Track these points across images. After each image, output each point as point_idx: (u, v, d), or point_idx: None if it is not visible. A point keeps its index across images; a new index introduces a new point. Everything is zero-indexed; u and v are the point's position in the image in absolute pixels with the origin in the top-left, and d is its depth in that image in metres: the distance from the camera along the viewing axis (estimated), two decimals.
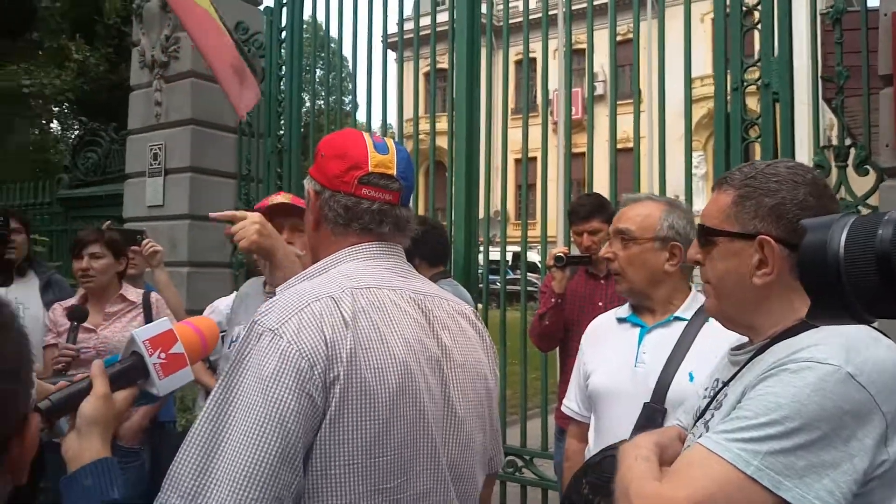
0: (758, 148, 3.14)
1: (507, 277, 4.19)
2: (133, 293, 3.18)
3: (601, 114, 3.98)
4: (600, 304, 3.11)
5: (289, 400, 1.03)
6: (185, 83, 5.01)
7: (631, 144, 3.75)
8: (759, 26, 3.14)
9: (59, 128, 19.68)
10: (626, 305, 1.95)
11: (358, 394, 1.07)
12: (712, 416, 1.11)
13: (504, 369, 4.00)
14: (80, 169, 6.55)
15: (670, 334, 1.75)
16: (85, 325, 2.97)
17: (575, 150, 4.16)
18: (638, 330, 1.85)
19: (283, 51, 5.04)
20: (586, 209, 3.13)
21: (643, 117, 3.77)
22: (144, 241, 3.55)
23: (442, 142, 5.02)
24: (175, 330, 1.20)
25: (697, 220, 1.34)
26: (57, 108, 17.65)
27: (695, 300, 1.80)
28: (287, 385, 1.03)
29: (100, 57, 11.76)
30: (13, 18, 14.61)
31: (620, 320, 1.93)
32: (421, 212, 4.83)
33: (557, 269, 3.09)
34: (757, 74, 3.15)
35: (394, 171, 1.25)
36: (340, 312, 1.10)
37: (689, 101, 3.45)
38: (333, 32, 4.85)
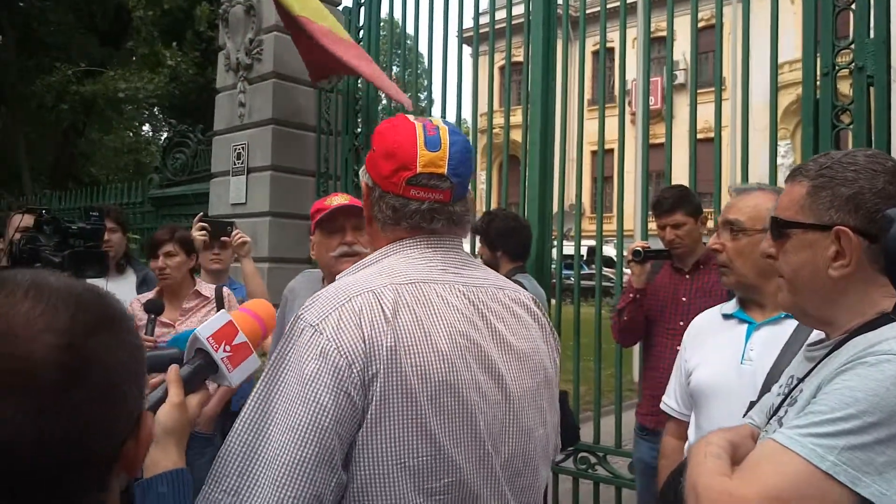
0: (850, 135, 2.97)
1: (582, 272, 4.12)
2: (206, 288, 3.33)
3: (681, 103, 3.86)
4: (684, 299, 3.03)
5: (326, 400, 1.03)
6: (266, 84, 5.17)
7: (712, 135, 3.61)
8: (853, 6, 2.97)
9: (151, 130, 20.73)
10: (733, 301, 1.89)
11: (399, 391, 1.06)
12: (786, 412, 1.06)
13: (577, 365, 3.95)
14: (169, 169, 6.86)
15: (780, 332, 1.68)
16: (162, 320, 3.11)
17: (653, 142, 4.04)
18: (745, 327, 1.79)
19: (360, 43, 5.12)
20: (669, 202, 3.05)
21: (725, 106, 3.61)
22: (234, 232, 3.70)
23: (517, 135, 4.99)
24: (234, 321, 1.22)
25: None
26: (147, 112, 18.61)
27: None
28: (325, 385, 1.04)
29: (189, 61, 12.32)
30: (113, 29, 15.52)
31: (726, 316, 1.87)
32: (495, 206, 4.81)
33: (636, 264, 3.04)
34: (849, 57, 2.98)
35: (444, 170, 1.19)
36: (381, 307, 1.09)
37: (776, 88, 3.29)
38: (410, 30, 4.91)
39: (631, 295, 3.08)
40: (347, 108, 5.18)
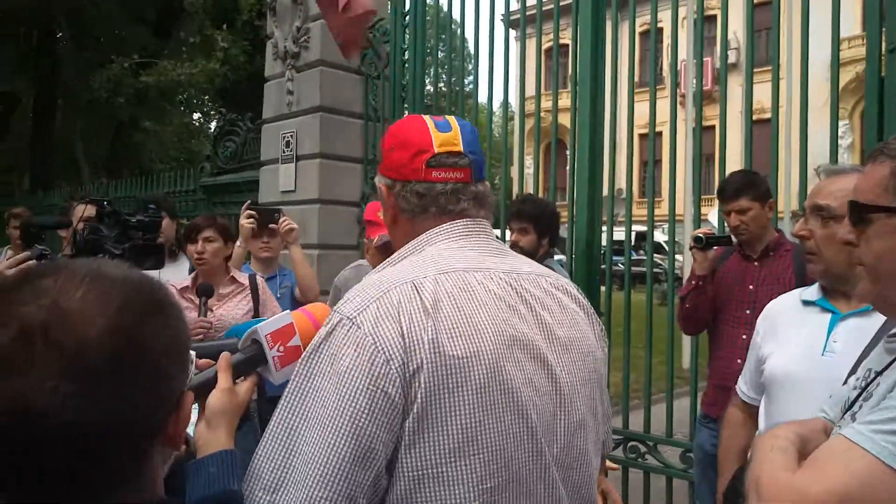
0: None
1: (632, 258, 4.05)
2: (241, 276, 3.42)
3: (733, 83, 3.74)
4: (751, 287, 2.95)
5: (361, 399, 1.00)
6: (314, 72, 5.21)
7: (766, 115, 3.49)
8: None
9: (201, 118, 21.15)
10: (814, 287, 1.78)
11: (445, 385, 1.02)
12: (860, 407, 1.01)
13: (627, 353, 3.90)
14: (219, 157, 6.97)
15: (868, 325, 1.57)
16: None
17: (704, 124, 3.92)
18: (829, 316, 1.69)
19: (406, 36, 5.12)
20: (734, 187, 2.96)
21: (780, 86, 3.48)
22: (282, 220, 3.75)
23: (563, 119, 4.92)
24: (295, 324, 1.25)
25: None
26: (198, 101, 18.98)
27: None
28: (361, 382, 1.00)
29: (239, 48, 12.52)
30: (162, 17, 15.85)
31: (807, 303, 1.77)
32: (541, 192, 4.77)
33: (698, 251, 2.98)
34: None
35: (461, 148, 1.21)
36: (420, 299, 1.06)
37: (837, 64, 3.16)
38: (455, 15, 4.87)
39: (694, 282, 3.02)
40: (394, 94, 5.18)
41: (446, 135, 1.21)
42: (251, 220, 3.71)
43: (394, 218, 1.26)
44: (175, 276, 3.73)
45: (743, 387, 1.96)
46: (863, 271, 1.07)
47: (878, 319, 1.55)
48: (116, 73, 12.55)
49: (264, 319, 1.31)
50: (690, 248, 3.03)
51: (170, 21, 16.29)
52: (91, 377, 0.69)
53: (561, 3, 4.28)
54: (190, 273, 3.92)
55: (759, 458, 1.00)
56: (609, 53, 4.00)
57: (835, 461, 0.88)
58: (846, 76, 20.41)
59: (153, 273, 3.40)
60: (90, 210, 2.33)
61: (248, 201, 3.96)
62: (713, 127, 3.71)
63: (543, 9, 4.49)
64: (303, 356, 1.08)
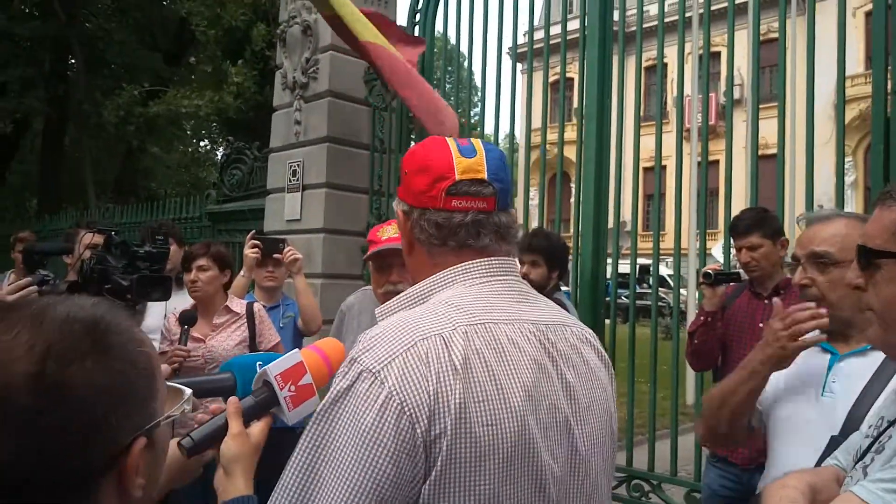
0: None
1: (636, 291, 4.03)
2: (237, 304, 3.38)
3: (737, 119, 3.76)
4: (761, 325, 2.93)
5: (386, 465, 0.93)
6: (322, 103, 5.25)
7: (769, 151, 3.50)
8: None
9: (207, 146, 21.35)
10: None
11: (466, 452, 0.95)
12: (872, 459, 0.99)
13: (632, 387, 3.86)
14: (226, 185, 7.01)
15: (866, 365, 1.58)
16: (194, 335, 3.18)
17: (709, 159, 3.94)
18: (828, 357, 1.68)
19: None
20: (745, 223, 2.96)
21: (773, 124, 3.51)
22: (286, 249, 3.74)
23: (568, 152, 4.94)
24: (304, 362, 1.22)
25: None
26: (205, 130, 19.19)
27: None
28: (386, 446, 0.93)
29: (251, 79, 12.65)
30: (174, 45, 16.08)
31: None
32: (545, 224, 4.77)
33: (707, 287, 2.97)
34: None
35: (484, 175, 1.12)
36: (450, 356, 0.98)
37: (843, 100, 3.17)
38: (463, 48, 4.93)
39: (702, 318, 3.01)
40: (401, 126, 5.23)
41: (469, 160, 1.13)
42: (255, 249, 3.70)
43: (410, 246, 1.19)
44: (182, 304, 3.71)
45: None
46: (872, 316, 1.06)
47: (877, 359, 1.54)
48: (127, 101, 12.69)
49: (263, 356, 1.29)
50: (699, 285, 3.03)
51: (181, 49, 16.53)
52: (14, 420, 0.69)
53: (568, 38, 4.33)
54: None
55: None
56: (616, 87, 4.04)
57: None
58: (849, 114, 20.56)
59: (160, 304, 3.36)
60: (97, 239, 2.33)
61: (253, 230, 3.96)
62: (717, 162, 3.71)
63: (550, 43, 4.52)
64: (318, 410, 1.01)
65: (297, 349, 1.27)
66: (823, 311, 1.58)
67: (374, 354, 0.99)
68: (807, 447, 1.51)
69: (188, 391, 0.96)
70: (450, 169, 1.12)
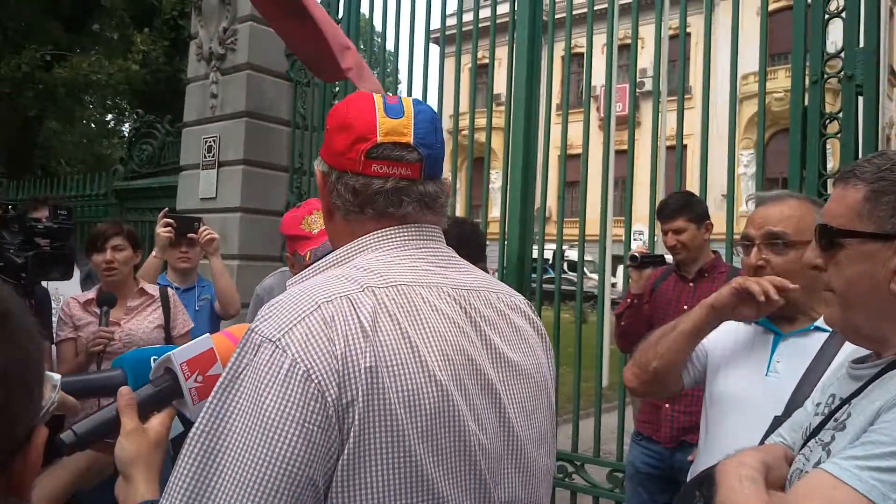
0: (836, 144, 2.97)
1: (548, 276, 4.08)
2: (151, 287, 3.19)
3: (647, 110, 3.85)
4: (686, 307, 2.99)
5: (296, 440, 0.83)
6: (240, 75, 5.01)
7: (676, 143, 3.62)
8: (843, 14, 2.95)
9: (114, 121, 20.22)
10: None
11: (381, 423, 0.86)
12: (832, 437, 0.98)
13: (557, 370, 3.89)
14: (135, 161, 6.64)
15: (809, 345, 1.59)
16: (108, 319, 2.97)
17: (620, 148, 4.03)
18: (771, 337, 1.68)
19: None
20: (672, 207, 3.02)
21: (691, 115, 3.66)
22: (202, 228, 3.54)
23: (485, 137, 4.94)
24: (216, 349, 1.08)
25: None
26: (111, 101, 18.13)
27: None
28: (294, 420, 0.83)
29: (159, 49, 11.99)
30: (77, 11, 15.05)
31: (749, 323, 1.74)
32: (470, 209, 4.73)
33: (633, 269, 3.01)
34: (838, 66, 2.98)
35: (410, 139, 1.01)
36: (358, 317, 0.89)
37: (735, 97, 3.34)
38: (387, 27, 4.79)
39: (629, 300, 3.05)
40: (324, 101, 5.05)
41: (395, 121, 1.01)
42: (168, 228, 3.48)
43: (328, 212, 1.09)
44: (65, 285, 3.43)
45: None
46: (830, 297, 1.05)
47: (819, 339, 1.57)
48: (28, 63, 11.73)
49: (159, 350, 1.14)
50: (626, 266, 3.07)
51: (84, 15, 15.50)
52: None
53: (484, 24, 4.30)
54: (83, 283, 3.64)
55: (727, 488, 0.96)
56: (545, 74, 4.04)
57: (818, 499, 0.85)
58: (750, 109, 21.52)
59: (58, 284, 3.11)
60: None
61: (166, 208, 3.72)
62: (625, 151, 3.83)
63: (470, 28, 4.47)
64: (214, 390, 0.88)
65: (207, 334, 1.12)
66: (794, 286, 1.56)
67: (273, 322, 0.89)
68: (750, 425, 1.52)
69: (56, 377, 0.81)
70: (371, 129, 1.01)
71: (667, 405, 2.97)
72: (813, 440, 1.03)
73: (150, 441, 0.98)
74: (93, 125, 19.17)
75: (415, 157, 1.01)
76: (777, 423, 1.47)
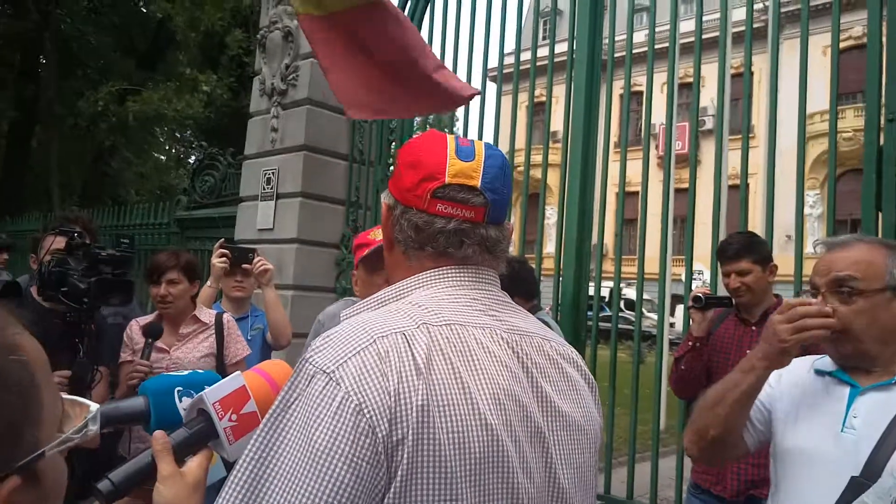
0: None
1: (605, 315, 3.97)
2: (206, 314, 3.19)
3: (708, 149, 3.75)
4: (748, 352, 2.87)
5: (344, 474, 0.82)
6: (300, 110, 5.13)
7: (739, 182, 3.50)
8: None
9: (180, 153, 21.04)
10: (827, 358, 1.63)
11: (430, 463, 0.84)
12: None
13: (612, 410, 3.77)
14: (197, 191, 6.83)
15: (890, 400, 1.46)
16: (158, 345, 2.99)
17: (680, 187, 3.93)
18: (847, 389, 1.54)
19: None
20: (734, 248, 2.90)
21: (755, 154, 3.55)
22: (256, 259, 3.59)
23: (537, 173, 4.92)
24: (247, 386, 1.06)
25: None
26: (179, 135, 18.91)
27: None
28: (344, 454, 0.82)
29: (224, 86, 12.47)
30: (151, 47, 15.83)
31: (821, 373, 1.62)
32: (514, 246, 4.67)
33: (696, 311, 2.89)
34: None
35: (478, 182, 1.01)
36: (412, 354, 0.88)
37: (804, 135, 3.20)
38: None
39: (690, 343, 2.93)
40: (381, 136, 5.12)
41: (465, 164, 1.02)
42: (224, 258, 3.54)
43: (389, 245, 1.09)
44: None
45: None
46: None
47: None
48: (103, 97, 12.37)
49: (184, 379, 1.11)
50: (688, 308, 2.95)
51: (157, 52, 16.28)
52: None
53: (555, 61, 4.29)
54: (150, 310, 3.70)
55: None
56: (603, 113, 4.00)
57: None
58: (818, 149, 21.01)
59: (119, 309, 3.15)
60: (59, 242, 2.17)
61: (222, 239, 3.78)
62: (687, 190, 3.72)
63: (527, 66, 4.47)
64: (265, 418, 0.88)
65: (238, 372, 1.10)
66: (829, 309, 1.47)
67: (328, 354, 0.89)
68: (824, 485, 1.40)
69: (94, 406, 0.78)
70: (441, 170, 1.01)
71: None
72: None
73: (188, 485, 0.96)
74: (161, 157, 19.97)
75: (480, 201, 1.01)
76: (854, 483, 1.36)
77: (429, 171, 1.01)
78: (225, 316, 3.27)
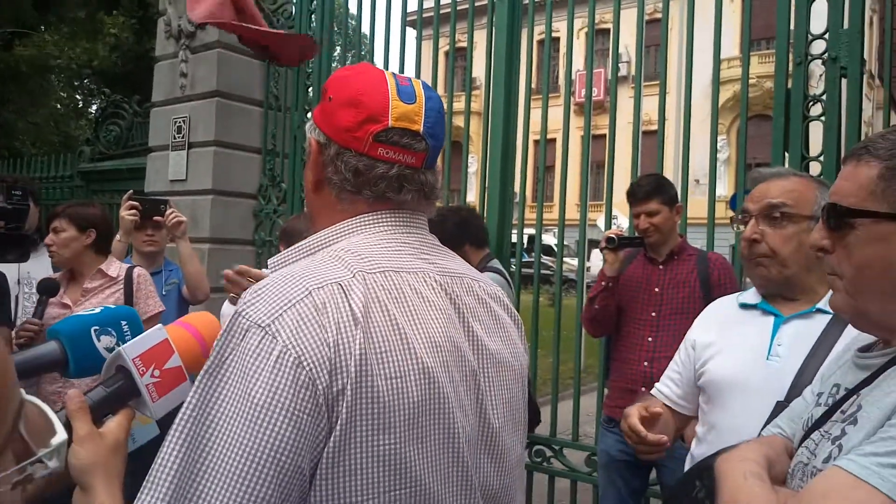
0: (820, 126, 2.94)
1: (529, 261, 4.04)
2: (114, 268, 3.04)
3: (624, 95, 3.81)
4: (657, 289, 2.97)
5: (285, 429, 0.80)
6: (211, 54, 4.86)
7: (654, 127, 3.58)
8: None
9: (81, 101, 19.70)
10: (751, 291, 1.70)
11: (369, 412, 0.84)
12: (842, 431, 0.91)
13: (535, 353, 3.86)
14: (101, 142, 6.46)
15: (811, 327, 1.53)
16: (62, 301, 2.86)
17: (596, 133, 3.99)
18: (772, 319, 1.62)
19: (312, 23, 4.87)
20: (644, 189, 2.97)
21: (668, 99, 3.63)
22: (168, 211, 3.43)
23: (461, 121, 4.88)
24: (171, 340, 1.00)
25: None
26: (78, 82, 17.66)
27: None
28: (284, 408, 0.80)
29: (128, 29, 11.65)
30: None
31: (745, 306, 1.69)
32: (447, 194, 4.65)
33: (609, 252, 2.96)
34: (822, 47, 2.94)
35: (420, 127, 0.98)
36: (349, 304, 0.87)
37: (718, 81, 3.32)
38: (363, 9, 4.67)
39: (603, 283, 3.00)
40: (298, 81, 4.92)
41: (407, 107, 0.98)
42: (133, 211, 3.36)
43: (318, 184, 1.03)
44: (37, 268, 3.32)
45: (667, 391, 1.83)
46: (837, 281, 0.99)
47: (821, 322, 1.52)
48: None
49: (100, 317, 1.03)
50: (601, 249, 3.01)
51: None
52: None
53: (476, 5, 4.20)
54: (55, 267, 3.51)
55: (733, 485, 0.90)
56: (524, 58, 3.96)
57: (837, 499, 0.79)
58: (725, 94, 21.72)
59: (29, 267, 2.98)
60: None
61: (130, 191, 3.57)
62: (604, 136, 3.78)
63: (446, 11, 4.36)
64: (198, 377, 0.85)
65: (160, 325, 1.03)
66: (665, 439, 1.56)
67: (261, 307, 0.86)
68: (753, 412, 1.46)
69: (60, 436, 0.73)
70: (383, 112, 0.97)
71: (643, 388, 2.93)
72: (816, 432, 0.98)
73: (107, 446, 0.90)
74: (59, 106, 18.66)
75: (422, 146, 0.99)
76: (780, 408, 1.42)
77: (370, 113, 0.97)
78: (136, 270, 3.11)
